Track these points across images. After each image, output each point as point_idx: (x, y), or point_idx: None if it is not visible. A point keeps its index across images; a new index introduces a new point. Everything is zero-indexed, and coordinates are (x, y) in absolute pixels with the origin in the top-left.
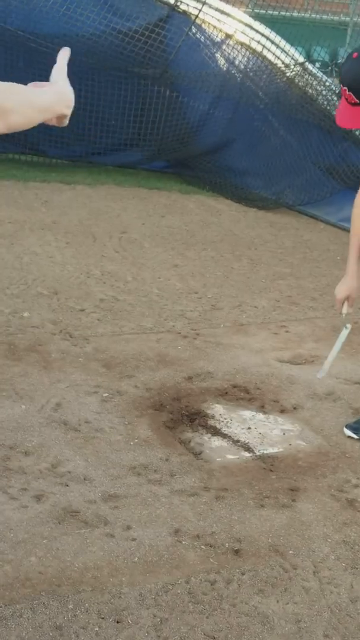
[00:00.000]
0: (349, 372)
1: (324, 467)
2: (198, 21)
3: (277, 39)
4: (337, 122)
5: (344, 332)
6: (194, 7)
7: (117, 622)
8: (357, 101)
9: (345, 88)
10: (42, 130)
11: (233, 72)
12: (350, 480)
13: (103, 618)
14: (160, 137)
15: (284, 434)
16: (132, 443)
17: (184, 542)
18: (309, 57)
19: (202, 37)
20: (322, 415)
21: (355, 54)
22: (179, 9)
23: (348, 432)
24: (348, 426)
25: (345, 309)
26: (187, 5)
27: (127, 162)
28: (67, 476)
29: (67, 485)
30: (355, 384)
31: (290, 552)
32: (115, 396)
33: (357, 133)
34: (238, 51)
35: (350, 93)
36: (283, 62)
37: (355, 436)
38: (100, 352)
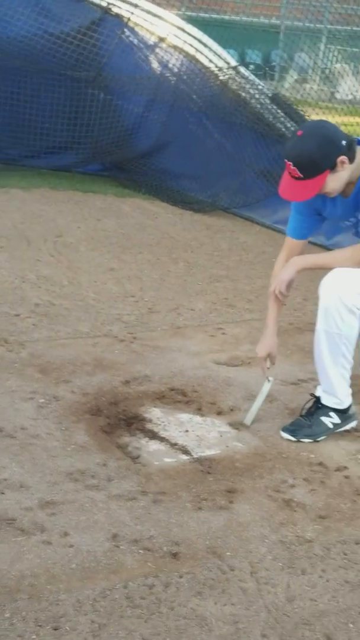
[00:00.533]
0: (285, 374)
1: (260, 468)
2: (130, 24)
3: (210, 42)
4: (281, 194)
5: (267, 385)
6: (126, 10)
7: (55, 629)
8: (301, 176)
9: (290, 163)
10: None
11: (167, 75)
12: (286, 480)
13: (40, 626)
14: (95, 140)
15: (221, 436)
16: (69, 449)
17: (121, 547)
18: (242, 60)
19: (135, 40)
20: (259, 417)
21: (300, 132)
22: (111, 12)
23: (285, 435)
24: (285, 429)
25: (267, 365)
26: (120, 8)
27: (62, 166)
28: (3, 484)
29: (3, 493)
30: (291, 385)
31: (228, 553)
32: (52, 402)
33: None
34: (171, 54)
35: (294, 168)
36: (216, 66)
37: (292, 438)
38: (36, 357)
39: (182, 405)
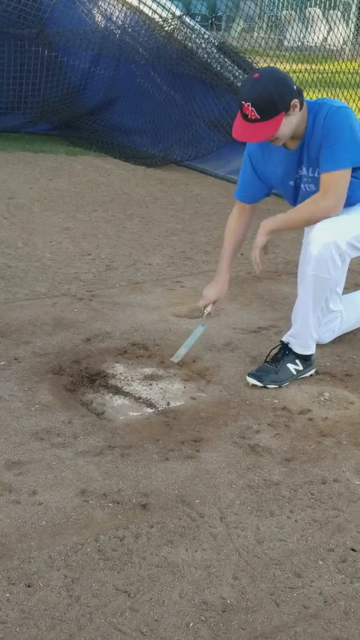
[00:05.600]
0: (244, 322)
1: (225, 416)
2: None
3: None
4: (235, 137)
5: (200, 329)
6: None
7: (28, 586)
8: (258, 117)
9: (248, 104)
10: None
11: (111, 28)
12: (251, 426)
13: (13, 584)
14: (42, 99)
15: (184, 387)
16: (33, 409)
17: (91, 502)
18: (188, 11)
19: None
20: (221, 366)
21: (256, 75)
22: None
23: (252, 381)
24: (251, 375)
25: (209, 309)
26: None
27: (10, 127)
28: None
29: None
30: (251, 333)
31: (197, 501)
32: (13, 363)
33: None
34: (114, 7)
35: (252, 109)
36: (160, 16)
37: (259, 384)
38: None
39: (144, 360)
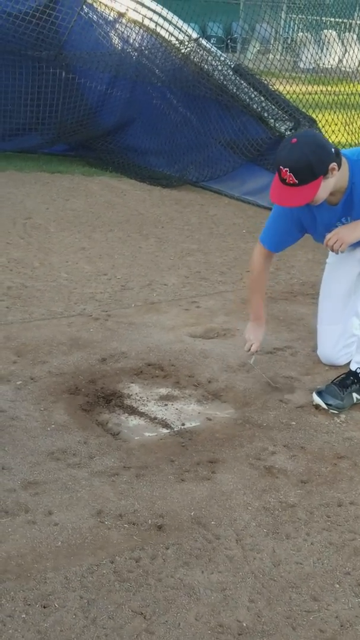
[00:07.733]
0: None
1: (241, 437)
2: (89, 0)
3: (170, 15)
4: (275, 202)
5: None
6: None
7: (44, 607)
8: (296, 182)
9: (286, 169)
10: None
11: (128, 50)
12: (267, 448)
13: (29, 605)
14: (59, 120)
15: (200, 408)
16: (49, 429)
17: (106, 523)
18: (204, 34)
19: (95, 16)
20: (237, 387)
21: (294, 140)
22: None
23: (317, 400)
24: (318, 393)
25: (255, 348)
26: None
27: (27, 147)
28: None
29: None
30: (267, 354)
31: (213, 522)
32: (29, 383)
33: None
34: (131, 29)
35: (291, 174)
36: (177, 39)
37: (323, 405)
38: (11, 340)
39: (160, 380)
